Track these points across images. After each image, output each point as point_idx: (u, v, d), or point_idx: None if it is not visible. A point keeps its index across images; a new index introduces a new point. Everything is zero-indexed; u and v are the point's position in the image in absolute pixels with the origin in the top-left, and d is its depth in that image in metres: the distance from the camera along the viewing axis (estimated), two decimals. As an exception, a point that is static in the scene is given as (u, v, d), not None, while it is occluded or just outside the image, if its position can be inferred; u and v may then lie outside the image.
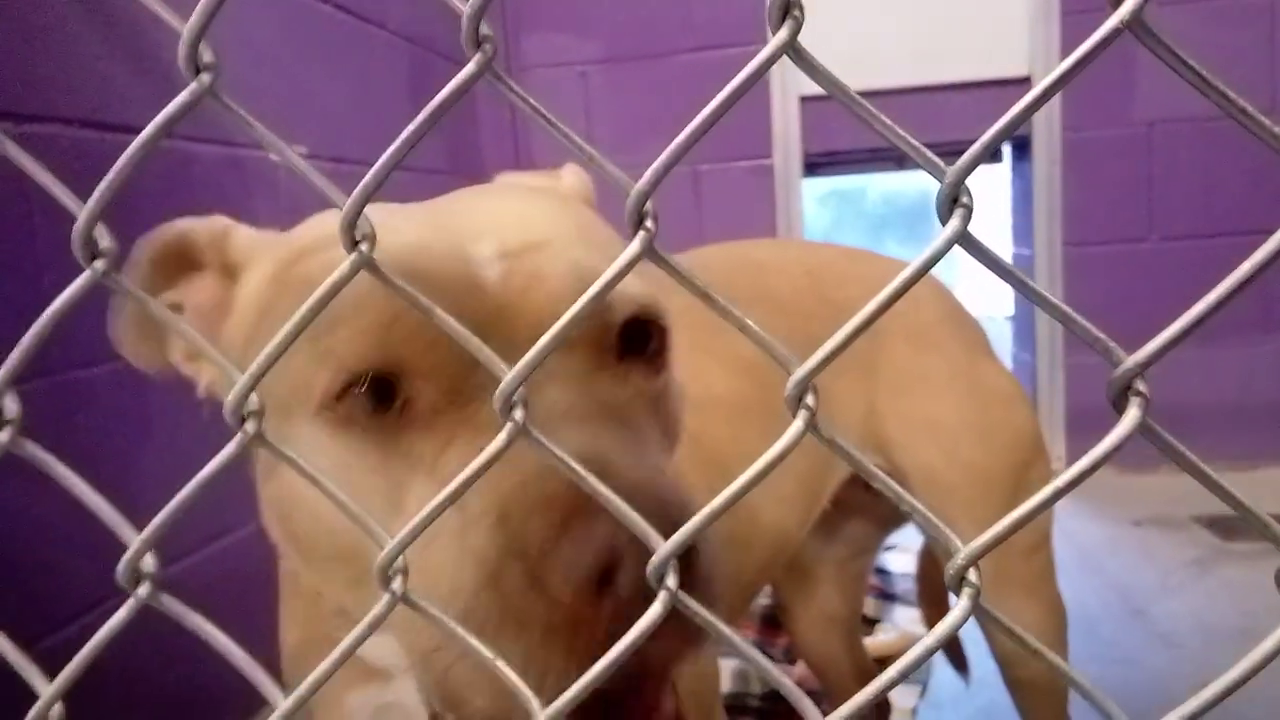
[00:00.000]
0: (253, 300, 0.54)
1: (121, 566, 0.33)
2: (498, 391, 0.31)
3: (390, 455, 0.47)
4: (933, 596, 1.37)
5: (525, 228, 0.52)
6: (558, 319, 0.48)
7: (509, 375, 0.31)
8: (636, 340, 0.52)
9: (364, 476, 0.47)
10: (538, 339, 0.47)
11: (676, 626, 0.30)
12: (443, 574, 0.44)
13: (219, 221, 0.57)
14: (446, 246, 0.49)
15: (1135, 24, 0.24)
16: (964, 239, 0.26)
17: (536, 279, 0.49)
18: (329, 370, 0.47)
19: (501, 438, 0.31)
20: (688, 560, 0.31)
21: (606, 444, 0.44)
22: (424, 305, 0.32)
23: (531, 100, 0.28)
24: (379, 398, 0.47)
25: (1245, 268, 0.24)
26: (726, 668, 1.68)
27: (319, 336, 0.46)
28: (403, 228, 0.50)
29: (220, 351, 0.53)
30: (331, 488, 0.34)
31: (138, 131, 0.27)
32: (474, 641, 0.33)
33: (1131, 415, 0.26)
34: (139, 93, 1.34)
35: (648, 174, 0.27)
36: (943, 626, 0.29)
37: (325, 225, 0.54)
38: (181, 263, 0.58)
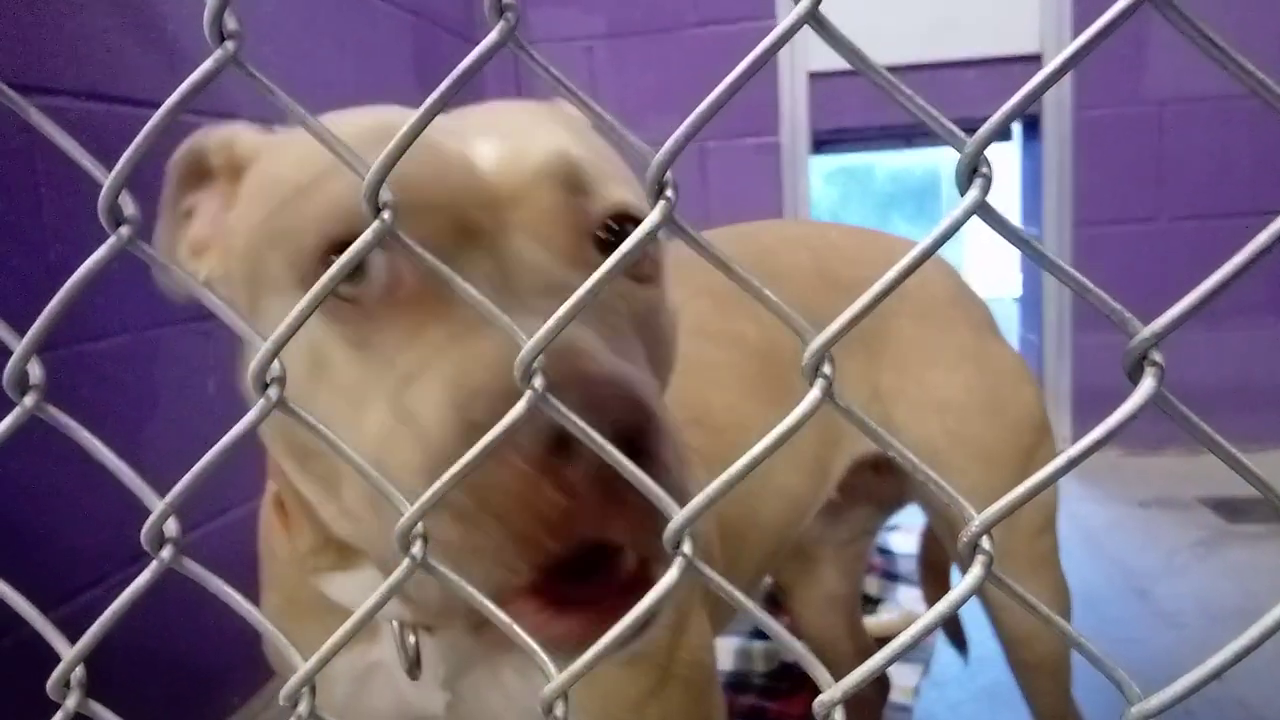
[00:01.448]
0: (255, 194, 0.54)
1: (146, 530, 0.34)
2: (518, 360, 0.31)
3: (361, 343, 0.46)
4: (934, 576, 1.38)
5: (521, 123, 0.53)
6: (536, 194, 0.50)
7: (528, 345, 0.32)
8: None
9: (337, 358, 0.46)
10: (518, 218, 0.48)
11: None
12: (400, 461, 0.42)
13: (226, 127, 0.58)
14: (449, 128, 0.50)
15: (1158, -6, 0.24)
16: (982, 209, 0.27)
17: (521, 156, 0.50)
18: (309, 236, 0.46)
19: (521, 405, 0.32)
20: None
21: (577, 331, 0.41)
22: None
23: (553, 70, 0.28)
24: (355, 275, 0.44)
25: (1270, 231, 0.24)
26: (728, 647, 1.69)
27: (298, 210, 0.47)
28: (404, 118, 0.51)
29: (224, 241, 0.56)
30: (343, 446, 0.34)
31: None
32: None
33: (1147, 385, 0.26)
34: (145, 65, 1.33)
35: (668, 143, 0.27)
36: (956, 593, 0.29)
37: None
38: (198, 172, 0.59)
